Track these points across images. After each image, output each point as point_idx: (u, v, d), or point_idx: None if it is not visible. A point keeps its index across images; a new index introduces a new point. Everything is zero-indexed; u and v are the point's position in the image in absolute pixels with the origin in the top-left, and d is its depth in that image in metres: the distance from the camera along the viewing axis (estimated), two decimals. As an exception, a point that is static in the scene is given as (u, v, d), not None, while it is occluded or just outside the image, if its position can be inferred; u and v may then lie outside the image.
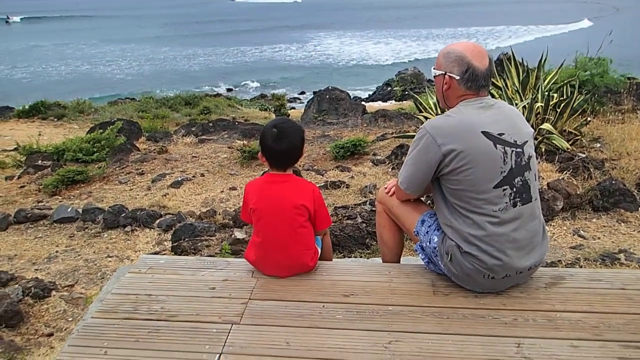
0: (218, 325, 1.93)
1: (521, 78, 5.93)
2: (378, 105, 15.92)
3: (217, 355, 1.78)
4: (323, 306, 2.03)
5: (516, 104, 5.63)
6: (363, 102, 14.29)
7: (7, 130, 12.10)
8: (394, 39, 49.43)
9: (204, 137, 8.48)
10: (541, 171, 5.11)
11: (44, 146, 8.15)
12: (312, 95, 10.50)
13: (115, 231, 5.52)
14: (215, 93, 22.57)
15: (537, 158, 5.32)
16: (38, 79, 29.23)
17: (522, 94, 5.77)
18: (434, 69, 2.16)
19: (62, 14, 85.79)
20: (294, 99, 22.54)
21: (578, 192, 4.63)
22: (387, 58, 38.87)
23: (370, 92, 21.94)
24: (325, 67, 35.10)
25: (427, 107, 6.49)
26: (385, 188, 2.37)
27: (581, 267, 3.13)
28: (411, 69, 19.93)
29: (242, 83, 29.01)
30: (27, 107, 14.31)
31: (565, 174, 4.96)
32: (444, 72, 2.10)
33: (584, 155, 5.37)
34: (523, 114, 5.55)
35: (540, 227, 2.12)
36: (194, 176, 6.95)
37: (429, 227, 2.18)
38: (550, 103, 5.61)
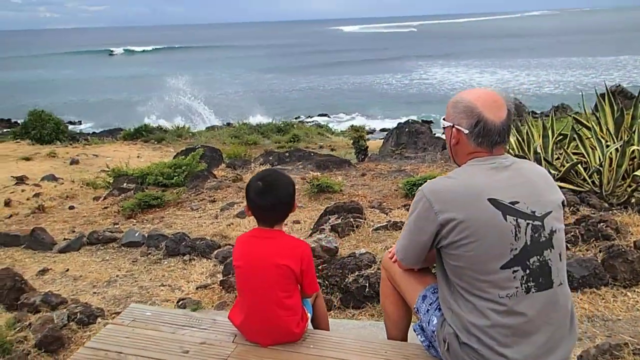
0: (173, 398, 1.73)
1: (615, 117, 5.26)
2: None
3: None
4: (297, 388, 1.76)
5: (607, 146, 5.00)
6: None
7: (111, 152, 12.98)
8: (500, 69, 47.67)
9: (279, 166, 8.48)
10: (631, 225, 4.43)
11: (131, 169, 8.56)
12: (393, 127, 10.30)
13: (175, 259, 5.55)
14: (308, 121, 22.92)
15: (628, 209, 4.66)
16: (151, 104, 31.58)
17: (614, 136, 5.10)
18: (443, 119, 1.85)
19: (186, 44, 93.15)
20: (386, 130, 22.24)
21: (673, 254, 3.93)
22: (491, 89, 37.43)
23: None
24: (424, 97, 34.49)
25: (506, 145, 5.97)
26: (389, 252, 2.06)
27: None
28: (512, 100, 18.89)
29: (336, 111, 29.29)
30: (132, 130, 15.37)
31: (661, 230, 4.25)
32: (452, 124, 1.78)
33: (688, 209, 4.60)
34: (615, 157, 4.90)
35: (567, 319, 1.69)
36: (260, 207, 6.91)
37: (429, 304, 1.84)
38: (649, 147, 4.90)
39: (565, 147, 5.28)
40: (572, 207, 4.62)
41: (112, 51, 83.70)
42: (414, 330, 1.91)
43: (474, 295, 1.66)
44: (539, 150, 5.24)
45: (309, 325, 2.15)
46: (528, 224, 1.65)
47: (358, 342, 2.02)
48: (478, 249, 1.63)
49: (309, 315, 2.11)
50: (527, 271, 1.64)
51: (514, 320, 1.62)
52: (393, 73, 48.10)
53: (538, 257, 1.65)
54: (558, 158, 5.49)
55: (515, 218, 1.64)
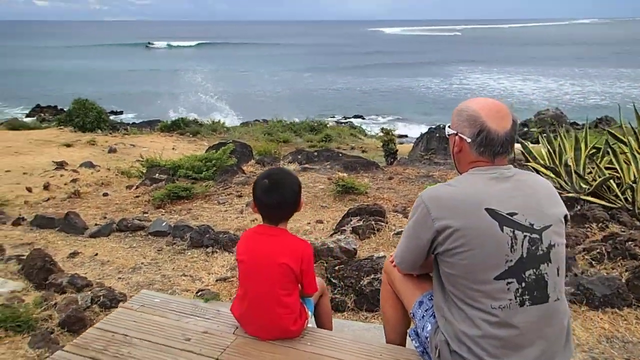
0: (169, 383, 1.79)
1: (651, 133, 5.10)
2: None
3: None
4: (288, 382, 1.81)
5: (640, 163, 4.86)
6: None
7: (147, 142, 13.28)
8: (545, 77, 46.56)
9: (307, 165, 8.55)
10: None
11: (163, 161, 8.75)
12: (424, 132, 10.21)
13: (198, 250, 5.67)
14: (343, 121, 22.98)
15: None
16: (190, 97, 32.26)
17: (648, 153, 4.95)
18: (448, 126, 1.85)
19: (233, 41, 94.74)
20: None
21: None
22: (533, 97, 36.61)
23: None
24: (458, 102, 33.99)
25: (537, 155, 5.86)
26: (391, 256, 2.07)
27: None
28: (552, 110, 18.45)
29: (371, 113, 29.23)
30: (169, 122, 15.69)
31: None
32: (455, 132, 1.79)
33: None
34: (649, 175, 4.76)
35: (562, 335, 1.68)
36: (285, 204, 6.97)
37: (425, 311, 1.86)
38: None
39: (598, 161, 5.15)
40: (600, 224, 4.51)
41: (150, 44, 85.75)
42: (409, 336, 1.94)
43: (466, 304, 1.67)
44: (569, 163, 5.13)
45: (311, 323, 2.19)
46: (525, 236, 1.64)
47: (355, 343, 2.06)
48: (472, 258, 1.63)
49: (310, 313, 2.14)
50: (523, 284, 1.63)
51: (506, 332, 1.62)
52: (432, 77, 47.63)
53: (534, 270, 1.64)
54: (590, 172, 5.35)
55: (512, 229, 1.64)
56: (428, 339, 1.81)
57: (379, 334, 2.62)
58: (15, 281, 4.43)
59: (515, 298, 1.63)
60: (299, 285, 2.07)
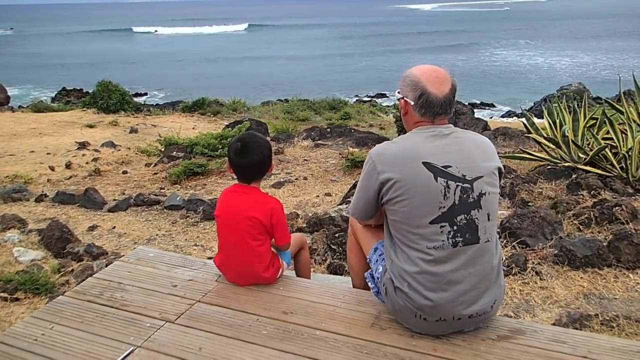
0: (154, 320, 2.04)
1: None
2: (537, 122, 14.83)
3: (134, 348, 1.88)
4: (257, 319, 2.04)
5: (639, 132, 4.92)
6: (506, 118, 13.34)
7: (168, 122, 13.59)
8: (581, 52, 45.25)
9: (320, 141, 8.73)
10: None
11: (180, 139, 9.04)
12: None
13: (210, 222, 5.93)
14: (365, 99, 23.02)
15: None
16: (217, 78, 32.64)
17: (645, 121, 5.01)
18: (397, 92, 2.05)
19: (280, 22, 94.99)
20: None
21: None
22: (560, 72, 35.79)
23: (527, 107, 20.50)
24: (485, 79, 33.47)
25: (539, 128, 5.94)
26: (355, 209, 2.28)
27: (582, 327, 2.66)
28: (575, 84, 18.14)
29: (395, 91, 29.13)
30: (190, 102, 15.97)
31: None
32: (402, 97, 1.99)
33: None
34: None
35: (492, 273, 1.88)
36: (296, 178, 7.20)
37: (379, 255, 2.07)
38: (682, 133, 4.78)
39: (595, 132, 5.22)
40: (593, 191, 4.61)
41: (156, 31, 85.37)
42: (366, 278, 2.15)
43: (407, 246, 1.87)
44: (567, 133, 5.21)
45: (286, 273, 2.42)
46: (457, 185, 1.83)
47: (323, 287, 2.28)
48: (410, 206, 1.83)
49: (285, 264, 2.37)
50: (455, 227, 1.83)
51: (440, 269, 1.82)
52: (457, 54, 46.89)
53: (465, 215, 1.83)
54: (589, 143, 5.43)
55: (445, 180, 1.83)
56: (380, 280, 2.03)
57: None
58: (35, 251, 4.75)
59: (448, 240, 1.82)
60: (271, 237, 2.30)
